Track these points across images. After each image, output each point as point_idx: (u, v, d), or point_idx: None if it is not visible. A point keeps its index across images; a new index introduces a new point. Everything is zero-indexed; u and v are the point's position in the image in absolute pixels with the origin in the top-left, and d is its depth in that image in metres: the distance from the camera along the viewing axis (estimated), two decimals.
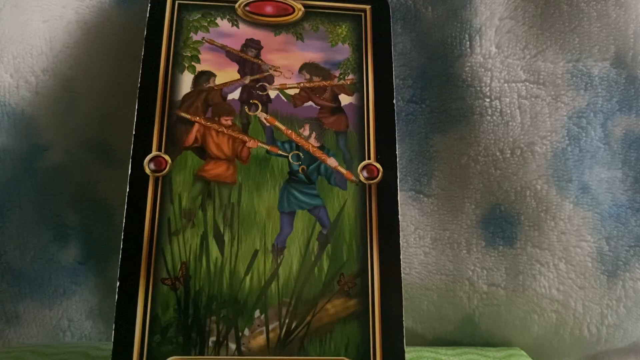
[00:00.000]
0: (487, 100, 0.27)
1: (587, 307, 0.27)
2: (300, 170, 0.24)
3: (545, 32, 0.28)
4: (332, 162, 0.24)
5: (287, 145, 0.24)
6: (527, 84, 0.27)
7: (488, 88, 0.27)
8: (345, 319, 0.22)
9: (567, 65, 0.27)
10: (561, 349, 0.28)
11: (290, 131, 0.24)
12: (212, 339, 0.21)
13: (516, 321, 0.28)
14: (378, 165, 0.24)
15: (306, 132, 0.24)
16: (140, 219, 0.22)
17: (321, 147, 0.24)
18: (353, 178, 0.24)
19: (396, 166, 0.24)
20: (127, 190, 0.22)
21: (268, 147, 0.24)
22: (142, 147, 0.23)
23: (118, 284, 0.21)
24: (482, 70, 0.27)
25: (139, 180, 0.23)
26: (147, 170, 0.23)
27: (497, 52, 0.28)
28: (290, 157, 0.24)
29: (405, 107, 0.29)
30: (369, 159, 0.24)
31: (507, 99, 0.27)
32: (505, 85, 0.27)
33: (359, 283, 0.22)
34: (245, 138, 0.24)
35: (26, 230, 0.28)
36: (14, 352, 0.26)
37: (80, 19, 0.29)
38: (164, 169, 0.23)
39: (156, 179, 0.23)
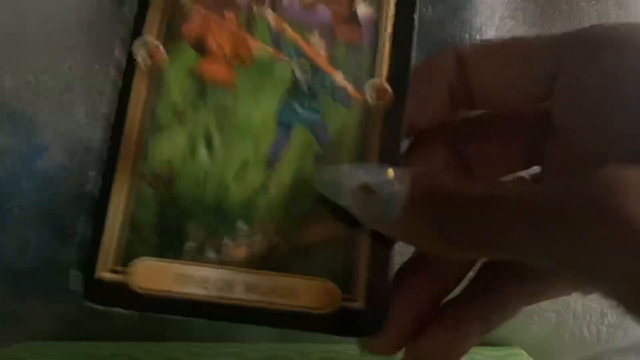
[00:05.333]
0: None
1: (587, 306, 0.27)
2: (304, 82, 0.22)
3: (545, 31, 0.28)
4: (339, 76, 0.22)
5: (292, 52, 0.22)
6: None
7: None
8: (332, 242, 0.21)
9: None
10: (561, 348, 0.29)
11: (297, 35, 0.22)
12: (191, 244, 0.20)
13: (516, 321, 0.28)
14: (388, 87, 0.22)
15: (315, 40, 0.22)
16: (125, 109, 0.20)
17: (329, 59, 0.22)
18: (359, 97, 0.22)
19: (408, 91, 0.22)
20: (114, 78, 0.20)
21: (272, 50, 0.22)
22: (135, 31, 0.21)
23: (94, 177, 0.20)
24: None
25: (127, 67, 0.21)
26: (138, 57, 0.21)
27: None
28: (294, 65, 0.22)
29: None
30: (379, 77, 0.22)
31: None
32: None
33: None
34: (248, 37, 0.22)
35: (26, 230, 0.29)
36: (14, 352, 0.27)
37: (80, 19, 0.29)
38: (156, 58, 0.21)
39: (146, 68, 0.21)
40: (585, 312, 0.27)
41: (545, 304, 0.27)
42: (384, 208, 0.19)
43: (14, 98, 0.28)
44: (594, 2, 0.27)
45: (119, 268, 0.19)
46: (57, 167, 0.29)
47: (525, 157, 0.22)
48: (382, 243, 0.21)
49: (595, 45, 0.18)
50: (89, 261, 0.19)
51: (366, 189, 0.19)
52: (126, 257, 0.20)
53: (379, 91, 0.22)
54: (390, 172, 0.19)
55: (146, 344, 0.31)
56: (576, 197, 0.15)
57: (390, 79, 0.22)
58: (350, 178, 0.19)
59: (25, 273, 0.29)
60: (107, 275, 0.19)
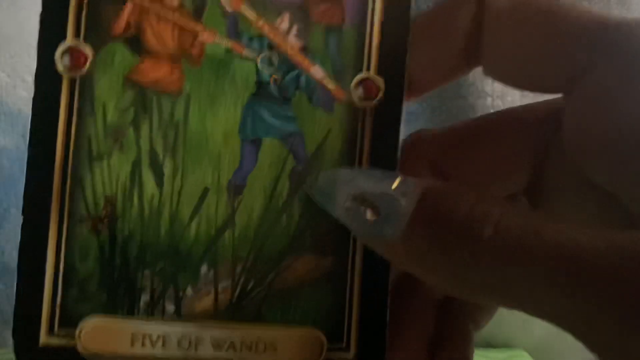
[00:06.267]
0: (489, 99, 0.27)
1: None
2: (272, 82, 0.17)
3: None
4: (317, 72, 0.17)
5: (256, 43, 0.17)
6: None
7: (490, 87, 0.26)
8: (317, 281, 0.17)
9: None
10: (563, 350, 0.28)
11: (262, 22, 0.17)
12: (145, 297, 0.17)
13: (518, 322, 0.26)
14: (379, 82, 0.17)
15: (284, 25, 0.17)
16: (51, 136, 0.16)
17: (304, 50, 0.17)
18: (343, 96, 0.17)
19: (404, 83, 0.17)
20: (33, 94, 0.16)
21: (229, 44, 0.17)
22: (53, 33, 0.16)
23: (22, 222, 0.16)
24: None
25: (48, 80, 0.16)
26: (60, 67, 0.16)
27: None
28: (259, 61, 0.17)
29: (406, 106, 0.24)
30: (367, 70, 0.17)
31: (510, 98, 0.26)
32: None
33: (337, 237, 0.17)
34: (198, 28, 0.17)
35: None
36: (12, 354, 0.26)
37: None
38: (84, 65, 0.16)
39: (72, 80, 0.16)
40: None
41: None
42: (381, 225, 0.15)
43: (11, 97, 0.29)
44: (596, 0, 0.27)
45: (65, 331, 0.16)
46: None
47: (520, 177, 0.18)
48: (377, 277, 0.17)
49: None
50: (29, 326, 0.16)
51: (362, 200, 0.15)
52: (72, 317, 0.16)
53: (369, 88, 0.17)
54: (398, 181, 0.15)
55: None
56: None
57: (382, 71, 0.17)
58: (347, 185, 0.16)
59: None
60: (51, 341, 0.16)
